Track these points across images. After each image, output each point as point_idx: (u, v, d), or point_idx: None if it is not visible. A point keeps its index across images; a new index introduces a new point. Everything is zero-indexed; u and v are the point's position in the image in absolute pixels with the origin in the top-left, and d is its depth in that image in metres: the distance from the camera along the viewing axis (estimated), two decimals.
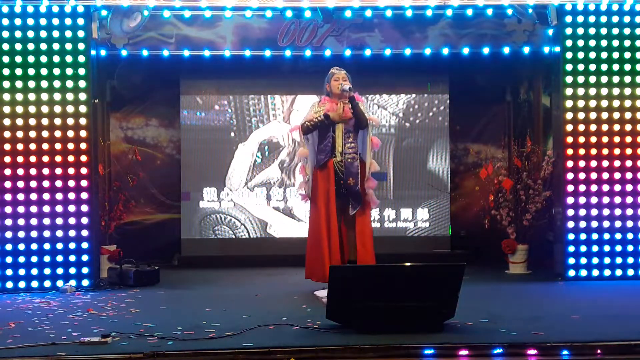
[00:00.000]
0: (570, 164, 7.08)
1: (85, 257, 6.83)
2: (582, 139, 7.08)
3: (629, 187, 7.07)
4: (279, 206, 8.79)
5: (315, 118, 6.39)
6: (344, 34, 7.74)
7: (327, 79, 6.48)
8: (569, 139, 7.08)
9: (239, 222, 8.77)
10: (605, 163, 7.07)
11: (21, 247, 6.76)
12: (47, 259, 6.78)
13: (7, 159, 6.78)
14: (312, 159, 6.48)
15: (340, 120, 6.35)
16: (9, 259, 6.75)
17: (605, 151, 7.07)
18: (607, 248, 7.06)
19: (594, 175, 7.06)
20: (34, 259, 6.77)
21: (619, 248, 7.06)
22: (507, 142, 8.86)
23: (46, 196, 6.79)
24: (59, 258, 6.79)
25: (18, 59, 6.81)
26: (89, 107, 6.89)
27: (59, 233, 6.80)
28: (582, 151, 7.08)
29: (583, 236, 7.06)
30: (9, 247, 6.76)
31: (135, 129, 8.92)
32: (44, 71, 6.82)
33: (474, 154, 8.95)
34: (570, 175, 7.08)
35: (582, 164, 7.07)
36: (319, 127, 6.38)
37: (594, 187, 7.07)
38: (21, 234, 6.76)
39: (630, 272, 7.04)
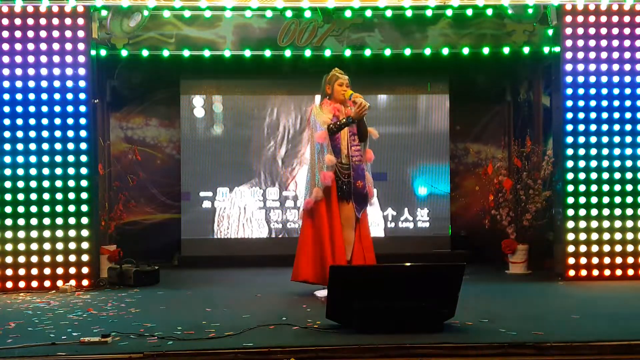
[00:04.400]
0: (570, 164, 7.09)
1: (85, 257, 6.83)
2: (582, 139, 7.08)
3: (629, 187, 7.08)
4: (279, 206, 8.79)
5: (340, 120, 6.07)
6: (344, 34, 7.75)
7: (330, 81, 6.20)
8: (569, 139, 7.09)
9: (239, 222, 8.76)
10: (605, 163, 7.08)
11: (21, 247, 6.77)
12: (47, 259, 6.79)
13: (7, 159, 6.78)
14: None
15: (357, 117, 6.07)
16: (9, 259, 6.75)
17: (605, 151, 7.08)
18: (607, 248, 7.06)
19: (594, 175, 7.07)
20: (34, 259, 6.77)
21: (618, 248, 7.06)
22: (507, 142, 8.86)
23: (46, 196, 6.80)
24: (59, 258, 6.80)
25: (18, 59, 6.81)
26: (89, 107, 6.89)
27: (59, 233, 6.80)
28: (582, 151, 7.09)
29: (583, 236, 7.07)
30: (9, 247, 6.76)
31: (135, 129, 8.92)
32: (44, 71, 6.82)
33: (474, 154, 8.94)
34: (570, 175, 7.09)
35: (582, 164, 7.08)
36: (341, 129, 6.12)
37: (594, 187, 7.08)
38: (21, 234, 6.77)
39: (630, 272, 7.05)
